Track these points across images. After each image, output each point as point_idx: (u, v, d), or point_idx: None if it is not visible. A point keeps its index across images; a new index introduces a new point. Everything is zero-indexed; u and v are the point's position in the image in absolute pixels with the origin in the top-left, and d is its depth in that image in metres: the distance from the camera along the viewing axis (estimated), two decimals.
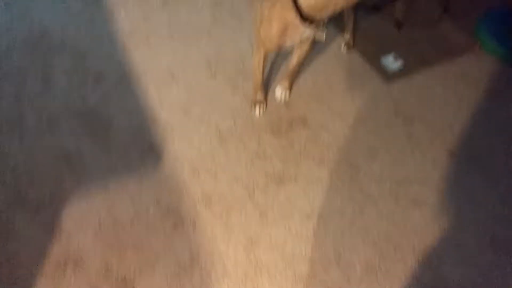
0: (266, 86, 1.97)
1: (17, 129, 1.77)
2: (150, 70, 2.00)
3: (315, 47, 2.14)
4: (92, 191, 1.62)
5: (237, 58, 2.08)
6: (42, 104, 1.85)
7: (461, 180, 1.73)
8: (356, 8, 2.11)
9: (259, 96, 1.87)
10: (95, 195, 1.61)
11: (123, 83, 1.95)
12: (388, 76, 2.07)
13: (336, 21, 2.18)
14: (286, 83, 1.92)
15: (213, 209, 1.60)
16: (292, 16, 1.43)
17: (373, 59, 2.13)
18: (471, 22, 2.26)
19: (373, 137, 1.85)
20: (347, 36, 2.13)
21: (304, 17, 1.42)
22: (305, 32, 1.51)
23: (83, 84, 1.93)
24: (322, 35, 1.55)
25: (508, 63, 2.13)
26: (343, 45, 2.14)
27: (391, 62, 2.12)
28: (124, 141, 1.76)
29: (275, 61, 2.08)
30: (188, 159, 1.73)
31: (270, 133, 1.83)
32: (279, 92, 1.93)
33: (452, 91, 2.03)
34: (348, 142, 1.83)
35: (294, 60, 1.82)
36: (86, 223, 1.53)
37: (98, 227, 1.52)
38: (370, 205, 1.64)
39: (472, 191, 1.69)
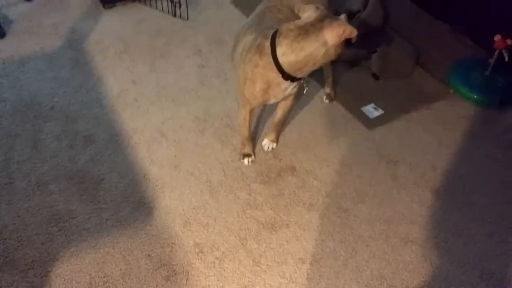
0: (254, 138, 2.03)
1: (5, 193, 1.77)
2: (139, 130, 2.06)
3: (298, 99, 2.25)
4: (82, 250, 1.60)
5: (224, 114, 2.16)
6: (31, 167, 1.87)
7: (448, 217, 1.76)
8: (333, 63, 2.25)
9: (247, 149, 1.92)
10: (85, 253, 1.59)
11: (113, 143, 1.99)
12: (369, 123, 2.15)
13: (317, 75, 2.30)
14: (272, 136, 1.99)
15: (206, 259, 1.58)
16: (274, 75, 1.52)
17: (354, 108, 2.23)
18: (442, 70, 2.41)
19: (359, 180, 1.89)
20: (328, 89, 2.25)
21: (286, 76, 1.51)
22: (288, 89, 1.60)
23: (73, 146, 1.97)
24: (304, 90, 1.65)
25: (482, 107, 2.25)
26: (324, 97, 2.25)
27: (372, 111, 2.22)
28: (114, 199, 1.77)
29: (261, 114, 2.16)
30: (179, 212, 1.74)
31: (259, 183, 1.87)
32: (267, 144, 1.99)
33: (431, 134, 2.12)
34: (336, 186, 1.86)
35: (279, 113, 1.90)
36: (77, 282, 1.50)
37: (88, 285, 1.49)
38: (361, 246, 1.65)
39: (459, 227, 1.72)
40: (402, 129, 2.13)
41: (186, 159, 1.94)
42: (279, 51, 1.46)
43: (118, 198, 1.77)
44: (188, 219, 1.72)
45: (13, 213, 1.69)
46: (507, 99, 2.26)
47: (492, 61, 2.22)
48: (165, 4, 2.78)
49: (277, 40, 1.46)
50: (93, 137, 2.01)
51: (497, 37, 2.13)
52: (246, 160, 1.92)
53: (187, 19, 2.74)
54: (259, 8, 1.82)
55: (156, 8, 2.81)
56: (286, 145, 2.02)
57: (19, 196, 1.75)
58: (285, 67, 1.48)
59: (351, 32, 1.44)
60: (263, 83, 1.57)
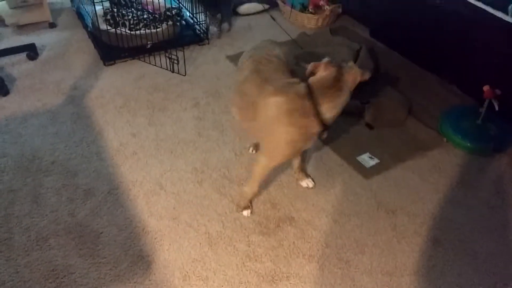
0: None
1: (4, 248, 1.76)
2: (138, 182, 2.08)
3: None
4: None
5: (221, 165, 2.19)
6: (31, 222, 1.87)
7: (450, 267, 1.76)
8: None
9: (248, 202, 1.93)
10: None
11: (112, 196, 2.00)
12: (366, 172, 2.19)
13: None
14: (303, 174, 2.05)
15: None
16: (316, 130, 1.61)
17: (350, 157, 2.27)
18: (434, 119, 2.48)
19: (359, 230, 1.89)
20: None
21: (325, 127, 1.62)
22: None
23: (72, 200, 1.98)
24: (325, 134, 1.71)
25: (475, 154, 2.30)
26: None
27: (367, 160, 2.26)
28: (113, 253, 1.76)
29: None
30: (178, 266, 1.72)
31: (258, 234, 1.86)
32: (305, 183, 2.05)
33: (428, 182, 2.15)
34: (335, 237, 1.86)
35: (301, 157, 1.99)
36: None
37: None
38: None
39: (462, 278, 1.71)
40: (398, 178, 2.16)
41: (185, 211, 1.95)
42: (323, 110, 1.58)
43: (117, 252, 1.76)
44: (187, 272, 1.70)
45: (12, 269, 1.67)
46: (500, 147, 2.31)
47: (482, 110, 2.29)
48: (163, 60, 2.89)
49: (317, 100, 1.56)
50: (93, 190, 2.02)
51: (486, 88, 2.22)
52: (245, 212, 1.92)
53: (185, 74, 2.84)
54: (248, 64, 1.80)
55: (155, 64, 2.92)
56: (284, 195, 2.04)
57: (18, 251, 1.74)
58: (327, 121, 1.60)
59: (365, 75, 1.64)
60: (305, 140, 1.66)
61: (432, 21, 2.82)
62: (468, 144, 2.31)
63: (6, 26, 3.22)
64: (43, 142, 2.27)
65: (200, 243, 1.81)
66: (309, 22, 3.51)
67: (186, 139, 2.36)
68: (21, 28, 3.25)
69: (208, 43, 3.21)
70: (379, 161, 2.25)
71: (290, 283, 1.67)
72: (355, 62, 2.79)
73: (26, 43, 2.94)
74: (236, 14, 3.64)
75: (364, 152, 2.30)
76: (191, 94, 2.68)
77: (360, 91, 2.69)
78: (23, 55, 2.93)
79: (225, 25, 3.33)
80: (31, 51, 2.91)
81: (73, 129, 2.37)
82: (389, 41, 3.22)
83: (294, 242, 1.83)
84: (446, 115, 2.47)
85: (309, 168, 2.19)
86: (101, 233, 1.83)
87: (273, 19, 3.50)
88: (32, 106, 2.52)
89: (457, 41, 2.67)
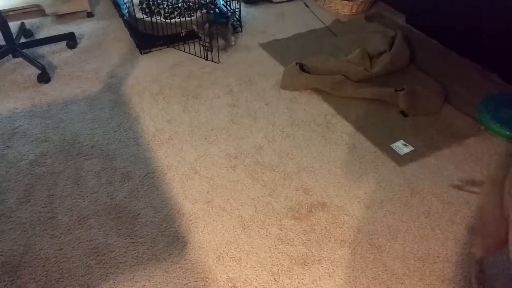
0: None
1: (48, 227, 1.85)
2: (173, 167, 2.14)
3: (327, 138, 2.30)
4: (120, 283, 1.64)
5: (254, 152, 2.22)
6: (73, 203, 1.96)
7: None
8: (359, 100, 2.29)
9: None
10: (122, 286, 1.63)
11: (149, 180, 2.07)
12: (399, 160, 2.17)
13: (342, 109, 2.34)
14: None
15: None
16: None
17: (384, 145, 2.25)
18: (471, 107, 2.42)
19: (391, 216, 1.89)
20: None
21: None
22: None
23: (111, 183, 2.05)
24: None
25: None
26: None
27: (401, 148, 2.24)
28: (150, 233, 1.83)
29: None
30: (212, 247, 1.77)
31: (291, 218, 1.89)
32: None
33: (463, 170, 2.11)
34: (367, 223, 1.86)
35: None
36: None
37: None
38: (396, 283, 1.63)
39: (497, 267, 1.68)
40: (433, 166, 2.13)
41: (218, 195, 1.99)
42: None
43: (154, 233, 1.82)
44: (221, 253, 1.74)
45: (56, 246, 1.77)
46: None
47: None
48: (197, 48, 2.93)
49: None
50: (130, 174, 2.09)
51: None
52: None
53: (218, 62, 2.87)
54: None
55: (189, 52, 2.97)
56: (316, 181, 2.05)
57: (61, 230, 1.83)
58: None
59: None
60: None
61: (472, 6, 2.74)
62: (507, 132, 2.25)
63: (46, 15, 3.35)
64: (82, 127, 2.36)
65: (234, 226, 1.85)
66: (344, 9, 3.47)
67: (220, 126, 2.39)
68: (60, 17, 3.37)
69: (241, 31, 3.23)
70: (413, 148, 2.22)
71: (321, 267, 1.69)
72: (390, 49, 2.75)
73: (65, 32, 3.05)
74: (269, 1, 3.64)
75: (398, 140, 2.28)
76: (225, 81, 2.72)
77: (395, 78, 2.67)
78: (63, 44, 3.04)
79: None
80: (71, 40, 3.01)
81: (111, 115, 2.45)
82: (426, 28, 3.15)
83: (326, 227, 1.84)
84: (484, 103, 2.41)
85: (341, 155, 2.19)
86: (139, 214, 1.90)
87: (307, 6, 3.49)
88: (72, 93, 2.61)
89: (500, 27, 2.58)
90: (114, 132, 2.34)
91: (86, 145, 2.25)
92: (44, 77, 2.67)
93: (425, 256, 1.73)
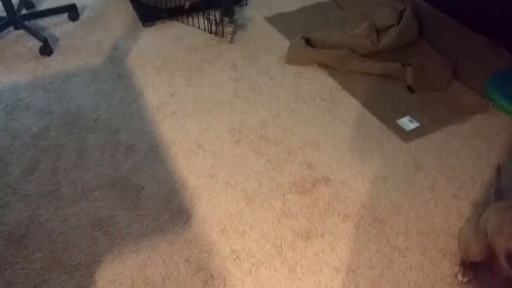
0: None
1: (53, 199, 1.86)
2: (177, 141, 2.13)
3: (332, 111, 2.28)
4: (125, 253, 1.66)
5: (258, 126, 2.21)
6: (77, 175, 1.96)
7: None
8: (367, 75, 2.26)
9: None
10: (127, 257, 1.65)
11: (153, 153, 2.07)
12: (405, 136, 2.15)
13: (346, 82, 2.32)
14: None
15: (242, 266, 1.61)
16: None
17: (389, 121, 2.23)
18: (480, 83, 2.38)
19: (395, 192, 1.88)
20: None
21: None
22: None
23: (115, 156, 2.05)
24: None
25: None
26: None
27: (407, 123, 2.22)
28: (154, 206, 1.84)
29: None
30: (216, 220, 1.78)
31: (294, 193, 1.89)
32: None
33: (469, 147, 2.09)
34: (371, 198, 1.86)
35: None
36: (120, 283, 1.56)
37: (131, 287, 1.54)
38: (398, 257, 1.64)
39: None
40: (439, 142, 2.11)
41: (222, 169, 1.99)
42: None
43: (158, 205, 1.83)
44: (224, 226, 1.75)
45: (61, 217, 1.78)
46: None
47: None
48: (201, 21, 2.88)
49: None
50: (134, 147, 2.09)
51: None
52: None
53: (223, 35, 2.83)
54: None
55: (193, 25, 2.92)
56: (321, 156, 2.04)
57: (66, 201, 1.84)
58: None
59: None
60: None
61: None
62: None
63: None
64: (86, 100, 2.35)
65: (237, 200, 1.86)
66: None
67: (224, 100, 2.38)
68: None
69: (246, 4, 3.17)
70: (419, 124, 2.20)
71: (324, 240, 1.70)
72: (398, 23, 2.69)
73: (67, 4, 3.00)
74: None
75: (404, 116, 2.25)
76: (229, 55, 2.68)
77: (403, 53, 2.62)
78: (64, 16, 3.00)
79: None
80: (72, 11, 2.97)
81: (114, 88, 2.43)
82: (435, 1, 3.07)
83: (329, 202, 1.85)
84: (493, 79, 2.37)
85: (346, 130, 2.17)
86: (143, 187, 1.91)
87: None
88: (74, 65, 2.59)
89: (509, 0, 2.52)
90: (118, 105, 2.33)
91: (90, 118, 2.25)
92: (46, 50, 2.65)
93: (428, 230, 1.73)
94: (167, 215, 1.80)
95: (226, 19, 2.75)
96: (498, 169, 1.90)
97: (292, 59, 2.61)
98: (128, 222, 1.76)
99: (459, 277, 1.55)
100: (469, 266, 1.56)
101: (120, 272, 1.59)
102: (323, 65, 2.58)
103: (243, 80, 2.50)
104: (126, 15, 3.06)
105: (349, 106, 2.32)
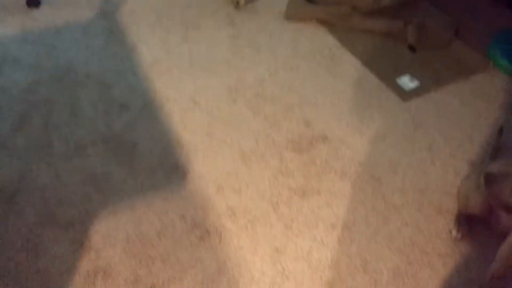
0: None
1: (45, 155, 1.83)
2: (172, 98, 2.08)
3: (331, 69, 2.22)
4: (119, 209, 1.65)
5: (256, 84, 2.16)
6: (69, 132, 1.92)
7: None
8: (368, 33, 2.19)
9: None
10: (122, 213, 1.63)
11: (147, 111, 2.02)
12: (404, 95, 2.11)
13: (346, 39, 2.26)
14: None
15: (238, 222, 1.61)
16: None
17: (389, 80, 2.19)
18: (482, 42, 2.33)
19: (393, 150, 1.86)
20: None
21: None
22: None
23: (108, 113, 2.01)
24: None
25: None
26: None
27: (407, 82, 2.17)
28: (149, 163, 1.81)
29: None
30: (212, 177, 1.76)
31: (291, 151, 1.86)
32: None
33: (468, 106, 2.06)
34: (368, 156, 1.84)
35: None
36: (114, 238, 1.55)
37: (126, 242, 1.54)
38: (394, 214, 1.64)
39: None
40: (438, 101, 2.08)
41: (219, 127, 1.96)
42: None
43: (153, 163, 1.80)
44: (221, 184, 1.74)
45: (52, 173, 1.75)
46: None
47: None
48: None
49: None
50: (128, 104, 2.04)
51: None
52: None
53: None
54: None
55: None
56: (319, 115, 2.01)
57: (58, 157, 1.81)
58: None
59: None
60: None
61: None
62: None
63: None
64: (77, 55, 2.28)
65: (234, 158, 1.83)
66: None
67: (220, 58, 2.31)
68: None
69: None
70: (419, 83, 2.16)
71: (321, 197, 1.69)
72: None
73: None
74: None
75: (404, 75, 2.21)
76: (226, 11, 2.59)
77: (404, 11, 2.54)
78: None
79: None
80: None
81: (106, 43, 2.36)
82: None
83: (326, 160, 1.82)
84: (495, 39, 2.31)
85: (345, 88, 2.13)
86: (137, 144, 1.87)
87: None
88: (64, 18, 2.50)
89: None
90: (110, 61, 2.26)
91: (81, 73, 2.18)
92: (33, 1, 2.54)
93: (424, 188, 1.72)
94: (162, 172, 1.77)
95: None
96: (500, 130, 1.87)
97: (291, 15, 2.53)
98: (122, 179, 1.74)
99: (454, 233, 1.56)
100: (463, 223, 1.57)
101: (114, 228, 1.58)
102: (323, 22, 2.50)
103: (240, 37, 2.43)
104: None
105: (349, 64, 2.26)
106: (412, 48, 2.35)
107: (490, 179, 1.21)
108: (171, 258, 1.49)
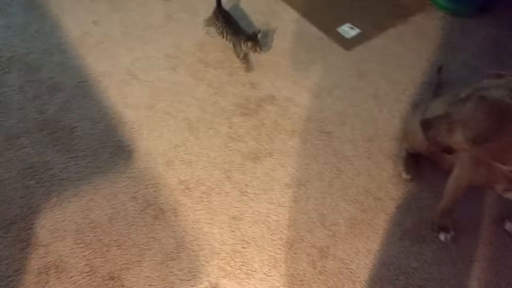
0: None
1: None
2: (108, 73, 1.95)
3: (272, 27, 2.15)
4: (64, 199, 1.56)
5: (196, 49, 2.06)
6: None
7: None
8: None
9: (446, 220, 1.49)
10: (68, 202, 1.55)
11: (81, 90, 1.89)
12: (346, 44, 2.08)
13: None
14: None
15: (193, 195, 1.56)
16: None
17: (330, 30, 2.15)
18: None
19: (340, 102, 1.86)
20: None
21: None
22: None
23: (39, 96, 1.86)
24: None
25: (457, 16, 2.19)
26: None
27: (348, 31, 2.14)
28: (90, 146, 1.71)
29: None
30: (160, 152, 1.69)
31: (240, 115, 1.81)
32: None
33: (409, 48, 2.07)
34: (317, 111, 1.83)
35: None
36: (63, 231, 1.47)
37: (76, 232, 1.47)
38: (346, 165, 1.65)
39: None
40: (380, 47, 2.07)
41: (161, 99, 1.87)
42: None
43: (95, 145, 1.70)
44: (170, 158, 1.67)
45: None
46: (484, 6, 2.20)
47: None
48: None
49: None
50: (59, 85, 1.90)
51: None
52: (442, 235, 1.49)
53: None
54: None
55: None
56: (264, 75, 1.95)
57: None
58: None
59: None
60: None
61: None
62: (452, 5, 2.19)
63: None
64: None
65: (180, 129, 1.77)
66: None
67: (155, 24, 2.18)
68: None
69: None
70: (360, 31, 2.14)
71: (273, 159, 1.67)
72: None
73: None
74: None
75: (345, 23, 2.17)
76: None
77: None
78: None
79: None
80: None
81: (26, 20, 2.16)
82: None
83: (275, 120, 1.79)
84: None
85: (287, 44, 2.07)
86: (75, 127, 1.76)
87: None
88: None
89: None
90: (34, 39, 2.08)
91: (3, 57, 2.00)
92: None
93: (373, 136, 1.74)
94: (106, 153, 1.68)
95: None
96: (439, 69, 1.90)
97: None
98: (63, 166, 1.64)
99: (403, 175, 1.59)
100: (412, 164, 1.60)
101: (62, 220, 1.49)
102: None
103: (175, 0, 2.29)
104: None
105: (289, 18, 2.20)
106: None
107: (426, 125, 1.21)
108: (126, 242, 1.44)
